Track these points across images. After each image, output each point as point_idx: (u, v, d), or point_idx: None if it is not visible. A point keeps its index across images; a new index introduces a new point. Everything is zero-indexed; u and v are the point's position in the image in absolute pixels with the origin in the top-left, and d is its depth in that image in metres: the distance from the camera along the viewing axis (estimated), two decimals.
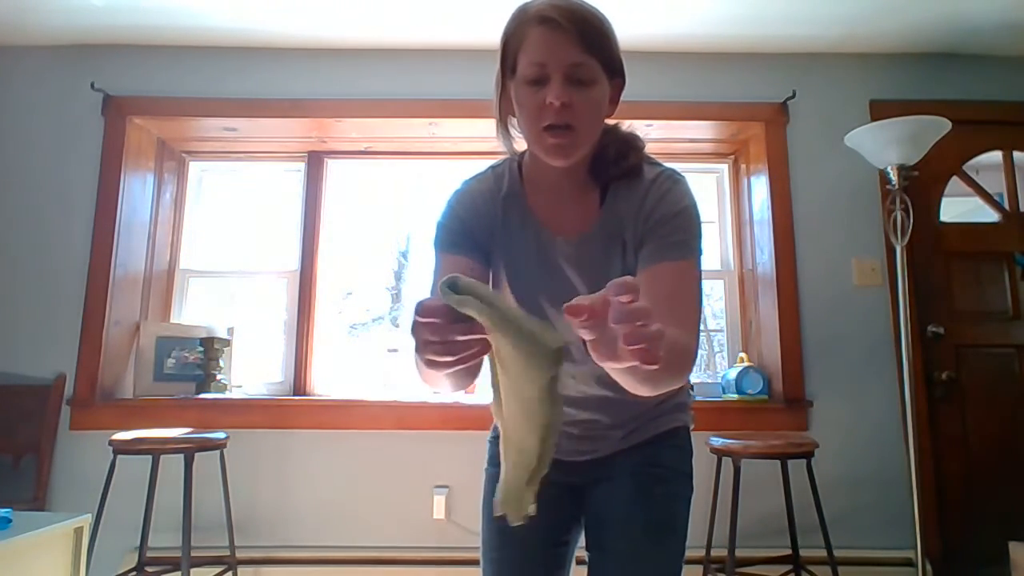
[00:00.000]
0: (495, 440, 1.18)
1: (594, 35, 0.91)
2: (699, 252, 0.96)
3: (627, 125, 1.04)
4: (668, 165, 1.02)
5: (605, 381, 1.00)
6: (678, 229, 0.94)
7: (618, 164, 0.99)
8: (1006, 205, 2.75)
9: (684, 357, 0.83)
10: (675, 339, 0.78)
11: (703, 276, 0.97)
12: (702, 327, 1.21)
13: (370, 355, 2.96)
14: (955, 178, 2.76)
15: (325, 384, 2.80)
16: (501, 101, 1.03)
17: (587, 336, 0.55)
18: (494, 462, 1.16)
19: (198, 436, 2.11)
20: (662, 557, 1.01)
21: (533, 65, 0.91)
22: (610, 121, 1.01)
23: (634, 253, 0.97)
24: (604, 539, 1.04)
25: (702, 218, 0.99)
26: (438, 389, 0.97)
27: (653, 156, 1.03)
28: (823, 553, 2.06)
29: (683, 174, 1.02)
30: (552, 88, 0.90)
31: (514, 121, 1.01)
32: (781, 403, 2.53)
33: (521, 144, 1.06)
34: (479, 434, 2.51)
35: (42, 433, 2.41)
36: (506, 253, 1.03)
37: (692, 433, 1.14)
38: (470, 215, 1.03)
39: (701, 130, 2.78)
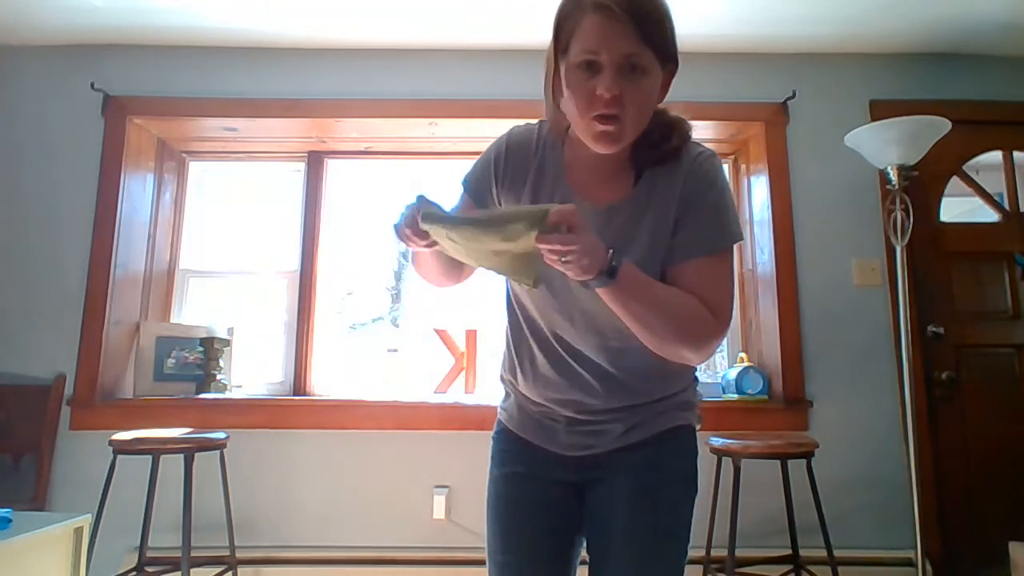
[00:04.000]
0: (499, 436, 1.18)
1: (650, 24, 0.90)
2: (734, 238, 0.99)
3: (675, 110, 1.05)
4: (705, 145, 1.04)
5: (603, 333, 1.01)
6: (713, 219, 0.98)
7: (659, 147, 1.00)
8: (1006, 205, 2.75)
9: (692, 324, 0.92)
10: (684, 304, 0.92)
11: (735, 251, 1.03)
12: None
13: (370, 355, 2.96)
14: (955, 178, 2.76)
15: (325, 384, 2.80)
16: (554, 79, 1.00)
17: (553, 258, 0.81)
18: (497, 461, 1.16)
19: (198, 436, 2.11)
20: (662, 564, 0.99)
21: (587, 52, 0.90)
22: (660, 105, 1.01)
23: (668, 233, 0.98)
24: (604, 544, 1.02)
25: (733, 200, 1.02)
26: (430, 279, 1.12)
27: (695, 139, 1.04)
28: (823, 553, 2.06)
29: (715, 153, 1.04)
30: (604, 79, 0.89)
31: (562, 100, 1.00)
32: (781, 403, 2.53)
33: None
34: (479, 434, 2.51)
35: (42, 433, 2.41)
36: (531, 197, 1.04)
37: (695, 429, 1.11)
38: (503, 164, 1.06)
39: (701, 130, 2.78)
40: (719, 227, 0.98)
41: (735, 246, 1.01)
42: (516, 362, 1.10)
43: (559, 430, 1.07)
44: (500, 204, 1.07)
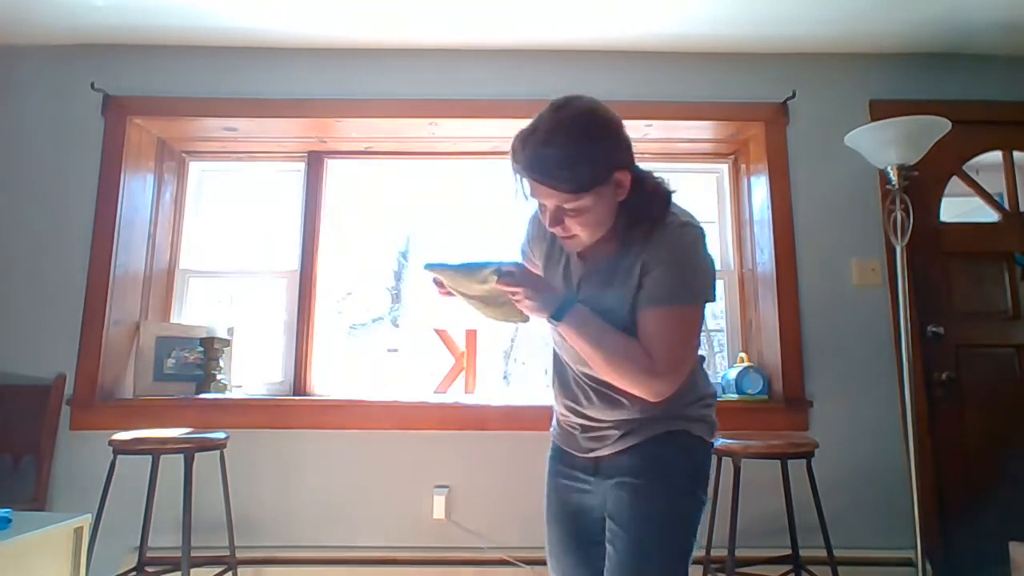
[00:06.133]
0: (551, 450, 1.39)
1: (570, 182, 1.05)
2: (689, 300, 1.13)
3: (656, 177, 1.18)
4: (688, 216, 1.17)
5: (586, 362, 1.20)
6: (671, 277, 1.11)
7: (641, 217, 1.15)
8: (1006, 205, 2.75)
9: (624, 365, 1.10)
10: (625, 348, 1.11)
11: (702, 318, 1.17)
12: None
13: (370, 355, 2.96)
14: (955, 178, 2.76)
15: (325, 384, 2.80)
16: None
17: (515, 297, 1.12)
18: (548, 470, 1.38)
19: (198, 436, 2.11)
20: (650, 547, 1.14)
21: (534, 198, 1.13)
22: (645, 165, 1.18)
23: (636, 285, 1.14)
24: (610, 532, 1.19)
25: (707, 259, 1.15)
26: None
27: (679, 206, 1.19)
28: (823, 553, 2.06)
29: (700, 225, 1.16)
30: (546, 218, 1.13)
31: None
32: (781, 403, 2.53)
33: None
34: (479, 434, 2.53)
35: (42, 433, 2.41)
36: (547, 262, 1.29)
37: (703, 443, 1.23)
38: (532, 236, 1.34)
39: (701, 130, 2.78)
40: (674, 284, 1.11)
41: (697, 303, 1.14)
42: (553, 379, 1.34)
43: (577, 435, 1.28)
44: (536, 262, 1.33)
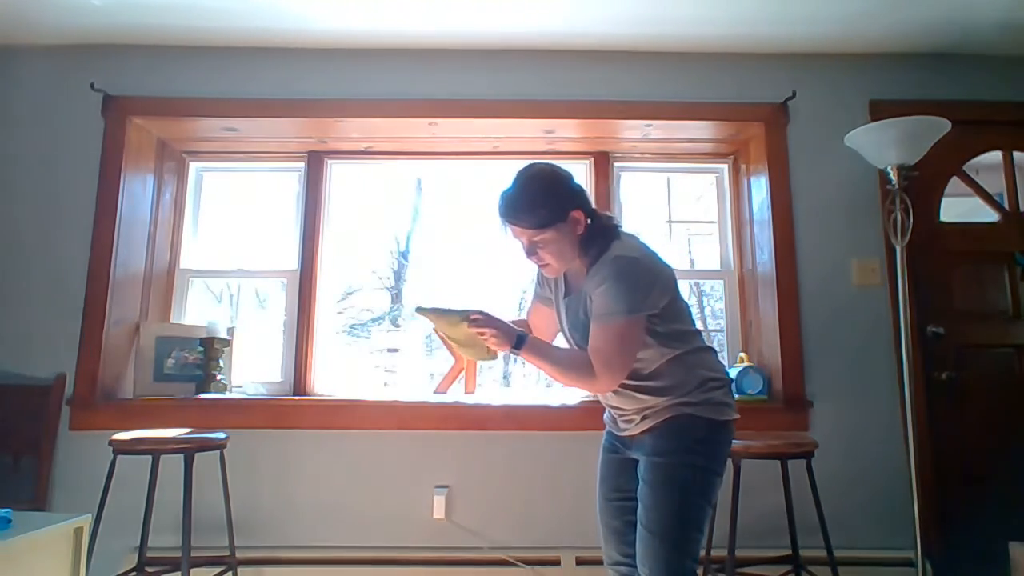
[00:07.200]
0: (606, 432, 1.70)
1: (531, 217, 1.45)
2: (619, 317, 1.40)
3: (607, 217, 1.55)
4: (630, 242, 1.49)
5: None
6: (602, 298, 1.43)
7: (589, 254, 1.49)
8: (1006, 205, 2.75)
9: (574, 375, 1.47)
10: (569, 360, 1.50)
11: (657, 315, 1.46)
12: (699, 326, 1.70)
13: (370, 355, 2.96)
14: (955, 178, 2.76)
15: (325, 384, 2.80)
16: None
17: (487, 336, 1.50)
18: (603, 445, 1.68)
19: (198, 436, 2.11)
20: (659, 507, 1.43)
21: (513, 237, 1.53)
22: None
23: (589, 306, 1.48)
24: (638, 495, 1.50)
25: (640, 280, 1.43)
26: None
27: (627, 234, 1.52)
28: (823, 553, 2.06)
29: (637, 254, 1.46)
30: (522, 251, 1.54)
31: None
32: (781, 403, 2.53)
33: None
34: (479, 434, 2.53)
35: (42, 433, 2.41)
36: (555, 295, 1.66)
37: (708, 421, 1.47)
38: (542, 277, 1.71)
39: (701, 130, 2.78)
40: (606, 305, 1.41)
41: (629, 317, 1.40)
42: None
43: (616, 419, 1.62)
44: (548, 295, 1.69)
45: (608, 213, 1.58)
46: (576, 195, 1.50)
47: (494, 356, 1.57)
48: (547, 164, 1.54)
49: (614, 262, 1.44)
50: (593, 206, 1.55)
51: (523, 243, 1.50)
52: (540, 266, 1.54)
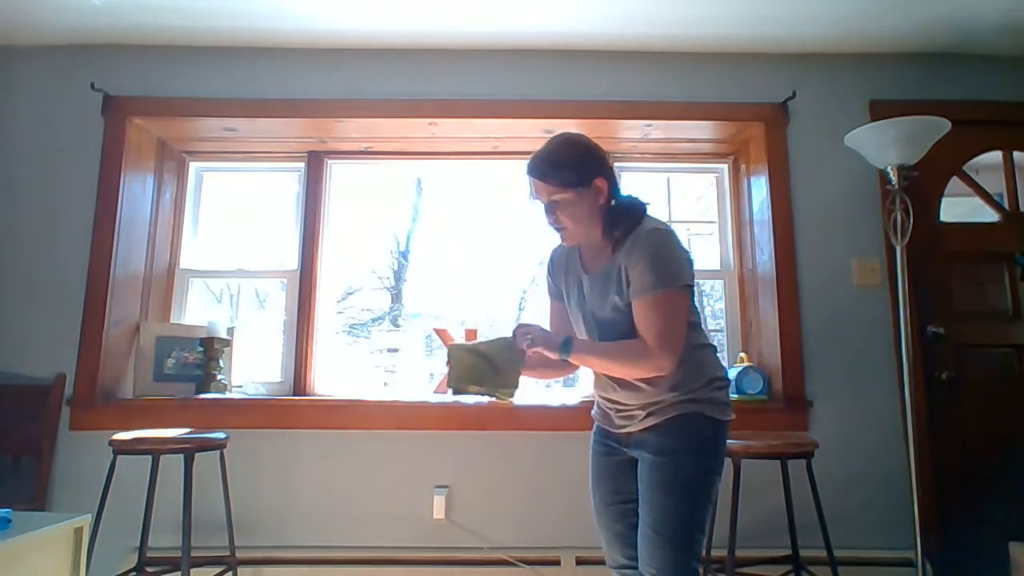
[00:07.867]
0: (594, 428, 1.65)
1: (554, 177, 1.45)
2: (667, 286, 1.38)
3: (632, 196, 1.52)
4: (657, 222, 1.46)
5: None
6: (646, 272, 1.39)
7: (619, 229, 1.47)
8: (1006, 205, 2.75)
9: (631, 362, 1.42)
10: (621, 347, 1.44)
11: (691, 293, 1.45)
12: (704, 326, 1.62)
13: (370, 355, 2.96)
14: (955, 178, 2.76)
15: (325, 384, 2.80)
16: None
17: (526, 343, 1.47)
18: (592, 443, 1.63)
19: (198, 436, 2.11)
20: (664, 507, 1.40)
21: (535, 197, 1.51)
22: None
23: (625, 285, 1.44)
24: (639, 495, 1.47)
25: (679, 253, 1.42)
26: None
27: (653, 217, 1.49)
28: (823, 553, 2.06)
29: (669, 227, 1.45)
30: (542, 214, 1.52)
31: None
32: (781, 403, 2.53)
33: None
34: (479, 434, 2.53)
35: (42, 433, 2.41)
36: (568, 289, 1.62)
37: (713, 420, 1.45)
38: (554, 270, 1.69)
39: (701, 130, 2.78)
40: (651, 277, 1.39)
41: (676, 288, 1.39)
42: (594, 376, 1.61)
43: (612, 415, 1.57)
44: (561, 289, 1.65)
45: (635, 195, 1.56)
46: (604, 167, 1.48)
47: (511, 395, 1.51)
48: (581, 134, 1.54)
49: (652, 234, 1.42)
50: (619, 186, 1.54)
51: (543, 201, 1.48)
52: (556, 229, 1.51)
